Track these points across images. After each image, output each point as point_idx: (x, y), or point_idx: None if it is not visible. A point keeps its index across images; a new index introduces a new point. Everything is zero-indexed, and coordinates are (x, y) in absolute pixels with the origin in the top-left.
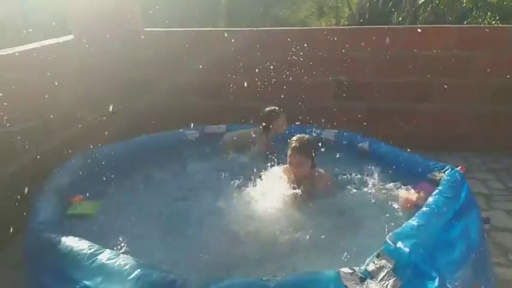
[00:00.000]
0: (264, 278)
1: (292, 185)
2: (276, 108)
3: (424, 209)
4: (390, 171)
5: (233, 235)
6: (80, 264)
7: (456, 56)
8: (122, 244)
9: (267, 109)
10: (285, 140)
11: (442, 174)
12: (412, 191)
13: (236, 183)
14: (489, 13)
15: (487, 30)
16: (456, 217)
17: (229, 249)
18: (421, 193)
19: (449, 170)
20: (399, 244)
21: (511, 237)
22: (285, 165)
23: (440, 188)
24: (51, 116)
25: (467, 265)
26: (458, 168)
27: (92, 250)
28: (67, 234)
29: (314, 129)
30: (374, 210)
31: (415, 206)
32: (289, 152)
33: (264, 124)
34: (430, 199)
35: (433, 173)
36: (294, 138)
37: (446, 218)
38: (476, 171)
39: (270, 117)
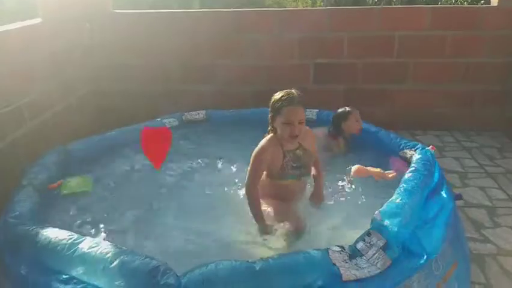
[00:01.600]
0: (249, 260)
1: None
2: (347, 108)
3: (404, 185)
4: (364, 148)
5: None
6: (60, 254)
7: (429, 36)
8: (104, 234)
9: (339, 110)
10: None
11: (413, 152)
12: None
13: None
14: None
15: (457, 10)
16: (432, 195)
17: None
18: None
19: (420, 148)
20: (386, 222)
21: (484, 212)
22: (267, 137)
23: (414, 165)
24: (21, 103)
25: (446, 242)
26: (429, 147)
27: (72, 239)
28: (45, 226)
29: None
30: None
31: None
32: (285, 110)
33: (335, 127)
34: (407, 176)
35: (404, 150)
36: (281, 94)
37: (424, 196)
38: (450, 150)
39: (341, 118)
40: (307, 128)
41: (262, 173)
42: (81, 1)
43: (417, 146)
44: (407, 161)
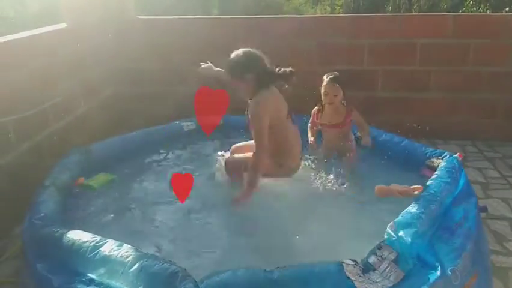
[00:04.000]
0: (267, 269)
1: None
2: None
3: (424, 193)
4: (390, 159)
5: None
6: (83, 256)
7: (452, 44)
8: (125, 235)
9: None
10: None
11: (440, 160)
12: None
13: None
14: (481, 5)
15: (480, 18)
16: (454, 204)
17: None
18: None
19: (447, 156)
20: (401, 233)
21: (507, 225)
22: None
23: (437, 173)
24: (46, 106)
25: (466, 253)
26: (456, 155)
27: (95, 242)
28: (68, 227)
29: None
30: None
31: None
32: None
33: None
34: (428, 183)
35: (431, 159)
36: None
37: (445, 204)
38: (472, 160)
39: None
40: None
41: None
42: (104, 7)
43: (445, 154)
44: (435, 170)
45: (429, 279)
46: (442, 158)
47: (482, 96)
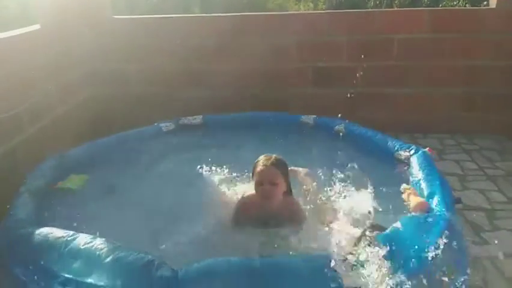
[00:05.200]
0: (248, 258)
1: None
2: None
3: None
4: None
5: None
6: (57, 251)
7: (429, 39)
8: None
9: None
10: None
11: (407, 153)
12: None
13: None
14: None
15: (456, 12)
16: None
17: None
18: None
19: (414, 149)
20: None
21: (484, 215)
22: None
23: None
24: (21, 109)
25: (447, 245)
26: (426, 149)
27: (68, 236)
28: (42, 227)
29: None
30: None
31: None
32: (257, 170)
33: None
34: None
35: (399, 152)
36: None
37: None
38: (450, 153)
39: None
40: (294, 199)
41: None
42: (80, 7)
43: (412, 148)
44: (402, 163)
45: (411, 271)
46: (409, 151)
47: (460, 90)
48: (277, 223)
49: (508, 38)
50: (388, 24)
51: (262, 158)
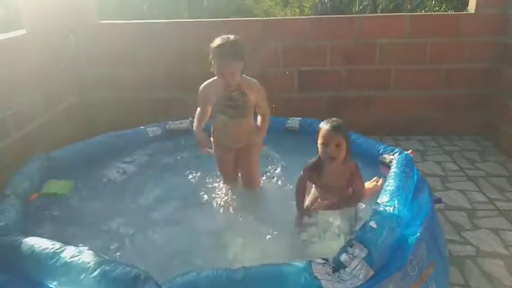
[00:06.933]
0: (231, 269)
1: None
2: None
3: (388, 188)
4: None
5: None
6: (43, 263)
7: (409, 43)
8: (87, 241)
9: None
10: None
11: (391, 156)
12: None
13: None
14: (443, 5)
15: (435, 17)
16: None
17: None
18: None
19: (398, 152)
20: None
21: (465, 215)
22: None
23: (395, 170)
24: (6, 115)
25: (422, 244)
26: (408, 151)
27: (55, 248)
28: (29, 236)
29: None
30: None
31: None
32: (217, 61)
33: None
34: (390, 181)
35: (383, 155)
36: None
37: (409, 199)
38: (432, 154)
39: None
40: (256, 82)
41: (206, 110)
42: (65, 12)
43: (396, 151)
44: (387, 166)
45: (388, 271)
46: (393, 154)
47: (441, 93)
48: (241, 95)
49: (485, 42)
50: (370, 29)
51: (218, 46)
